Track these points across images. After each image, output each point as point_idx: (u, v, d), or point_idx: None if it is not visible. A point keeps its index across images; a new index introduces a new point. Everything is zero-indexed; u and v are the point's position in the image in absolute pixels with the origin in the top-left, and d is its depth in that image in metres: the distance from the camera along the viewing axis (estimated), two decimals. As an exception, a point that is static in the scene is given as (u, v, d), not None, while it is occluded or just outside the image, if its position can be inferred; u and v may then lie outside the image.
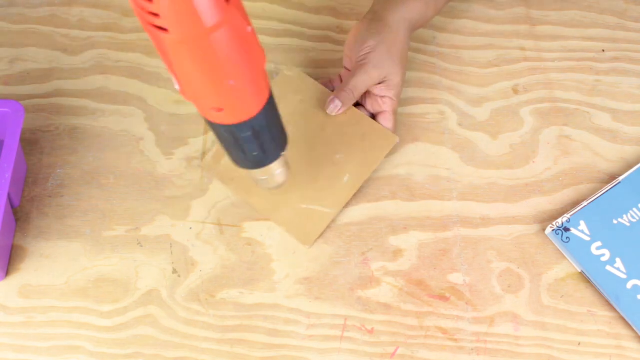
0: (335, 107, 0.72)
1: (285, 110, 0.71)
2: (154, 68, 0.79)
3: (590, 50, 0.82)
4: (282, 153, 0.60)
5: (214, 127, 0.54)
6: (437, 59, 0.81)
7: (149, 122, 0.76)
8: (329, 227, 0.71)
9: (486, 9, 0.85)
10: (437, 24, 0.83)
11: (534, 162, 0.75)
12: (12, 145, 0.66)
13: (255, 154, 0.57)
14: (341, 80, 0.76)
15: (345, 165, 0.72)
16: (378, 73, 0.71)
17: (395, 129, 0.74)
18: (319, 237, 0.70)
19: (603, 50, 0.82)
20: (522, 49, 0.82)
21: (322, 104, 0.74)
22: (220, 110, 0.51)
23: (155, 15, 0.43)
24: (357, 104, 0.76)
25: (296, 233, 0.70)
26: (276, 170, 0.62)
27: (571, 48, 0.82)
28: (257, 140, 0.55)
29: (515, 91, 0.80)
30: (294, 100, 0.75)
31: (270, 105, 0.54)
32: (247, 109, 0.52)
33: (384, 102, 0.73)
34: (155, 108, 0.77)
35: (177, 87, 0.50)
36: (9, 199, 0.66)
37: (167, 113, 0.77)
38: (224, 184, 0.72)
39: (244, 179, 0.71)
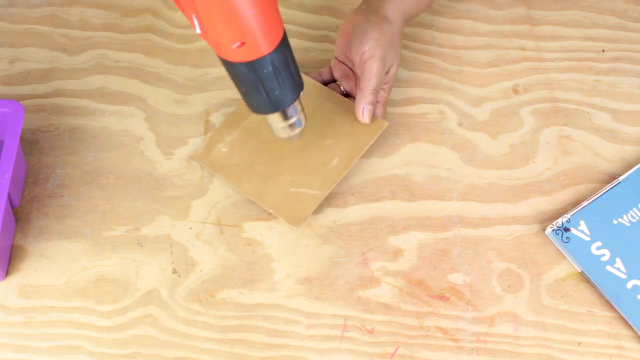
0: (370, 113, 0.71)
1: None
2: (154, 68, 0.79)
3: (590, 50, 0.82)
4: (301, 94, 0.62)
5: (236, 69, 0.57)
6: (437, 59, 0.81)
7: (149, 122, 0.76)
8: (329, 227, 0.71)
9: (486, 9, 0.85)
10: (437, 24, 0.83)
11: (534, 162, 0.75)
12: (12, 145, 0.66)
13: (276, 92, 0.59)
14: (331, 72, 0.76)
15: (335, 149, 0.73)
16: (386, 66, 0.71)
17: (385, 118, 0.74)
18: (306, 218, 0.70)
19: (603, 50, 0.82)
20: (522, 49, 0.82)
21: (313, 95, 0.74)
22: (242, 45, 0.54)
23: None
24: (347, 94, 0.76)
25: (285, 214, 0.70)
26: (294, 116, 0.64)
27: (571, 48, 0.82)
28: (277, 76, 0.58)
29: (515, 91, 0.80)
30: None
31: (286, 42, 0.58)
32: (267, 41, 0.55)
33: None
34: (155, 108, 0.77)
35: (198, 30, 0.53)
36: (9, 199, 0.66)
37: (167, 113, 0.77)
38: (215, 172, 0.73)
39: (234, 167, 0.72)
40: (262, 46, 0.55)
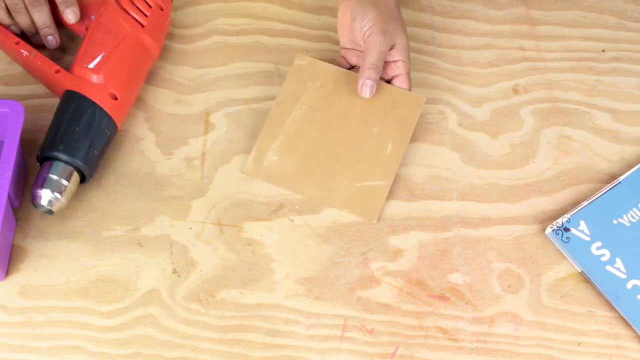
0: (370, 88, 0.72)
1: (309, 97, 0.73)
2: (154, 68, 0.79)
3: (590, 50, 0.82)
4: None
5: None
6: (437, 59, 0.81)
7: (149, 122, 0.76)
8: (329, 227, 0.71)
9: (486, 9, 0.85)
10: (437, 24, 0.83)
11: (534, 162, 0.75)
12: (12, 145, 0.66)
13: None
14: (346, 61, 0.77)
15: (384, 135, 0.73)
16: (388, 40, 0.72)
17: (411, 89, 0.75)
18: (381, 210, 0.71)
19: (603, 50, 0.82)
20: (522, 49, 0.82)
21: (343, 84, 0.75)
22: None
23: None
24: None
25: (360, 211, 0.71)
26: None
27: (571, 48, 0.82)
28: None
29: (515, 91, 0.80)
30: (314, 86, 0.75)
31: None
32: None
33: (397, 66, 0.74)
34: (155, 108, 0.77)
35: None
36: (9, 199, 0.66)
37: (167, 113, 0.77)
38: (272, 183, 0.72)
39: (291, 174, 0.72)
40: None
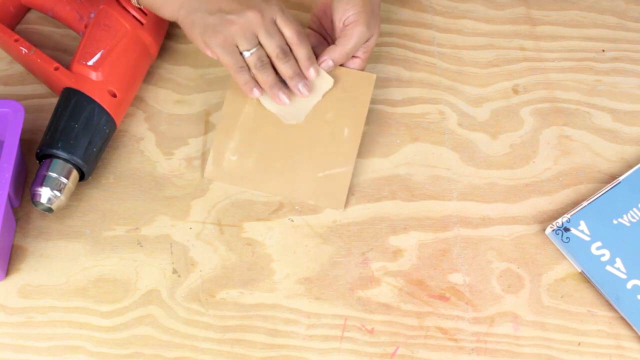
0: (328, 68, 0.72)
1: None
2: (154, 68, 0.79)
3: (590, 50, 0.82)
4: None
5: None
6: (437, 59, 0.81)
7: (149, 122, 0.76)
8: (329, 227, 0.71)
9: (486, 9, 0.85)
10: (437, 24, 0.83)
11: (534, 162, 0.75)
12: (12, 145, 0.66)
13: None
14: None
15: (339, 120, 0.72)
16: (368, 34, 0.71)
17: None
18: (346, 197, 0.71)
19: (603, 50, 0.82)
20: (522, 49, 0.82)
21: None
22: None
23: None
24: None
25: (325, 201, 0.71)
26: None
27: (571, 48, 0.82)
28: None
29: (515, 91, 0.80)
30: None
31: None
32: None
33: (352, 61, 0.73)
34: (155, 108, 0.77)
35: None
36: (9, 199, 0.66)
37: (167, 113, 0.77)
38: (235, 184, 0.72)
39: (252, 172, 0.72)
40: None
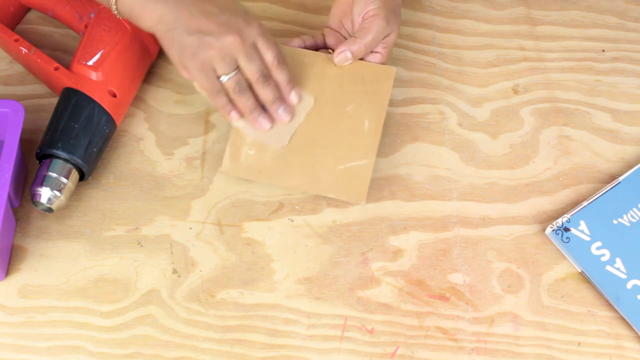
0: (346, 59, 0.72)
1: None
2: (154, 68, 0.79)
3: (590, 50, 0.82)
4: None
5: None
6: (437, 59, 0.81)
7: (149, 122, 0.76)
8: (329, 227, 0.71)
9: (486, 9, 0.85)
10: (437, 24, 0.83)
11: (534, 162, 0.75)
12: (12, 145, 0.66)
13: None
14: (324, 39, 0.75)
15: (360, 112, 0.72)
16: (387, 29, 0.71)
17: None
18: (367, 190, 0.70)
19: (603, 50, 0.82)
20: (522, 49, 0.82)
21: (309, 66, 0.72)
22: None
23: None
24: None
25: (346, 194, 0.70)
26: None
27: (571, 48, 0.82)
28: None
29: (515, 91, 0.80)
30: None
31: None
32: None
33: (372, 56, 0.73)
34: (155, 108, 0.77)
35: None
36: (9, 198, 0.66)
37: (167, 113, 0.77)
38: (253, 178, 0.71)
39: (271, 166, 0.70)
40: None
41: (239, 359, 0.65)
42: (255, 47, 0.66)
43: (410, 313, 0.68)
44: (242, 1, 0.84)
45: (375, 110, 0.71)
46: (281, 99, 0.69)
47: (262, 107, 0.69)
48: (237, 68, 0.66)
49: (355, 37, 0.71)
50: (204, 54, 0.64)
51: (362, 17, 0.71)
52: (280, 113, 0.69)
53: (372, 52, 0.73)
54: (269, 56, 0.67)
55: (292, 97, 0.70)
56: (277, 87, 0.69)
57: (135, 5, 0.64)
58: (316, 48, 0.75)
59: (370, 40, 0.71)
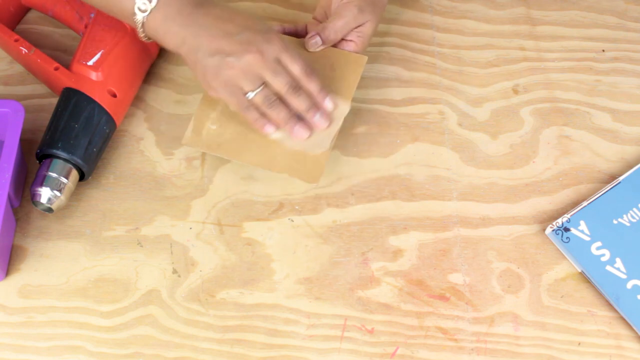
0: (316, 44, 0.72)
1: None
2: (154, 68, 0.79)
3: (590, 50, 0.82)
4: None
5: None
6: (437, 59, 0.81)
7: (149, 122, 0.76)
8: (329, 227, 0.71)
9: (486, 9, 0.85)
10: (437, 24, 0.83)
11: (534, 162, 0.75)
12: (12, 145, 0.66)
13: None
14: (305, 28, 0.76)
15: None
16: (360, 18, 0.71)
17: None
18: (322, 173, 0.69)
19: (603, 50, 0.82)
20: (522, 49, 0.82)
21: None
22: None
23: None
24: None
25: (301, 175, 0.69)
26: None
27: (571, 48, 0.82)
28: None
29: (515, 91, 0.80)
30: None
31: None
32: None
33: (346, 44, 0.73)
34: (155, 108, 0.77)
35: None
36: (9, 198, 0.66)
37: (167, 113, 0.77)
38: (212, 152, 0.71)
39: (230, 141, 0.71)
40: None
41: (239, 359, 0.65)
42: (279, 62, 0.66)
43: (410, 313, 0.68)
44: (242, 1, 0.84)
45: (340, 97, 0.71)
46: (316, 106, 0.69)
47: (299, 117, 0.69)
48: (263, 84, 0.66)
49: (327, 23, 0.72)
50: (226, 74, 0.65)
51: (338, 3, 0.72)
52: (317, 120, 0.69)
53: (346, 40, 0.73)
54: (295, 69, 0.67)
55: (327, 104, 0.70)
56: (309, 96, 0.69)
57: (160, 29, 0.65)
58: (296, 36, 0.76)
59: (341, 25, 0.71)
